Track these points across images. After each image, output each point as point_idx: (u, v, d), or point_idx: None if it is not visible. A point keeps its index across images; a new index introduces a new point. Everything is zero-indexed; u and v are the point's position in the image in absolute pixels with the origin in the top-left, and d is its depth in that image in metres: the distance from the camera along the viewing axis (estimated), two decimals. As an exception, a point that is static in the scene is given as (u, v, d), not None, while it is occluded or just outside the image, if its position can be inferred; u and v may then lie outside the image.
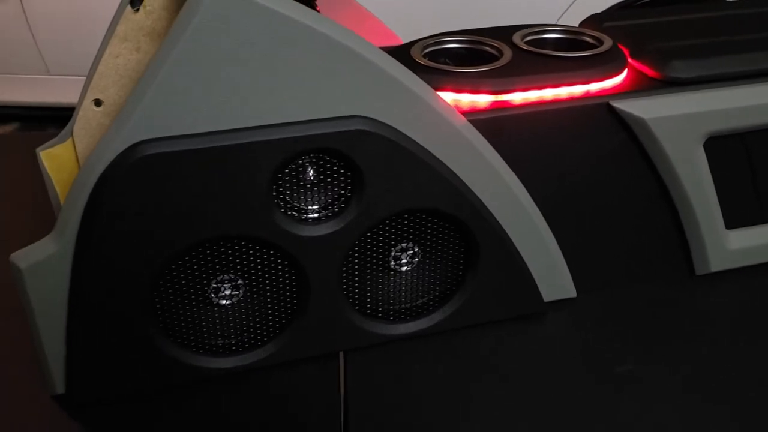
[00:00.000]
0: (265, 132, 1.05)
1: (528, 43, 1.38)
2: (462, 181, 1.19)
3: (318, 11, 1.11)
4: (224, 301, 1.21)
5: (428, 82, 1.24)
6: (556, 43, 1.43)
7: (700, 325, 1.37)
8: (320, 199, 1.16)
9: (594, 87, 1.27)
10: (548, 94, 1.26)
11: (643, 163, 1.31)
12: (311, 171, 1.15)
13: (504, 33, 1.41)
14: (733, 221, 1.43)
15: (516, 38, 1.38)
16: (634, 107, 1.25)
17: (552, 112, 1.24)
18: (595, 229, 1.37)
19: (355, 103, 1.08)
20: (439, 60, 1.38)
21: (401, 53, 1.32)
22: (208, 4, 0.96)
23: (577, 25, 1.54)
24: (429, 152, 1.15)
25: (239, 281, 1.20)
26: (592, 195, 1.34)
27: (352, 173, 1.14)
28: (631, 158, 1.31)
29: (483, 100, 1.24)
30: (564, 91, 1.26)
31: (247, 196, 1.09)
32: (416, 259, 1.28)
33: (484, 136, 1.21)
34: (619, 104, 1.24)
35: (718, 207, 1.39)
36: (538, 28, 1.43)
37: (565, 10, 2.77)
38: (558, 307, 1.39)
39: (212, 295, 1.20)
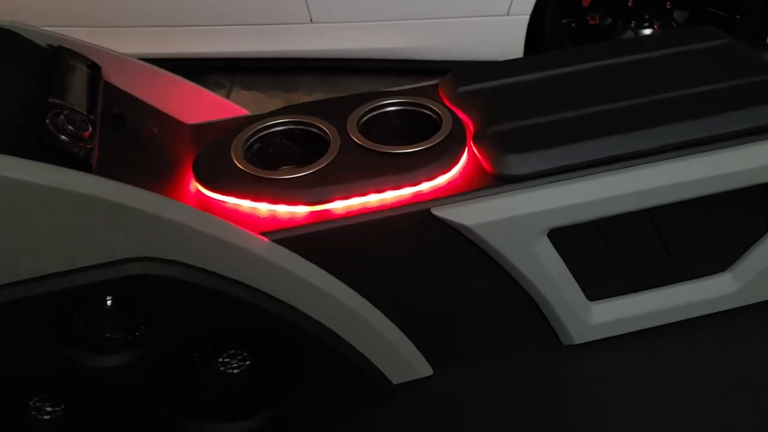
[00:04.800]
0: (33, 287, 1.01)
1: (364, 124, 1.30)
2: (273, 297, 1.16)
3: (93, 167, 1.05)
4: (46, 416, 1.22)
5: (242, 191, 1.19)
6: (398, 118, 1.35)
7: (569, 392, 1.37)
8: (119, 328, 1.14)
9: (423, 187, 1.21)
10: (373, 199, 1.19)
11: (484, 258, 1.26)
12: (108, 303, 1.12)
13: (343, 107, 1.33)
14: (596, 293, 1.39)
15: (351, 119, 1.30)
16: (457, 214, 1.18)
17: (375, 223, 1.18)
18: (446, 314, 1.34)
19: (130, 247, 1.03)
20: (272, 144, 1.31)
21: (220, 150, 1.25)
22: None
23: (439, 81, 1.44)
24: (229, 278, 1.11)
25: (59, 400, 1.21)
26: (434, 286, 1.30)
27: (143, 308, 1.11)
28: (470, 255, 1.26)
29: (301, 211, 1.18)
30: (390, 196, 1.20)
31: (31, 343, 1.08)
32: (247, 362, 1.27)
33: (304, 250, 1.16)
34: (440, 212, 1.18)
35: (574, 284, 1.34)
36: (381, 101, 1.34)
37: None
38: (412, 386, 1.39)
39: (33, 413, 1.22)
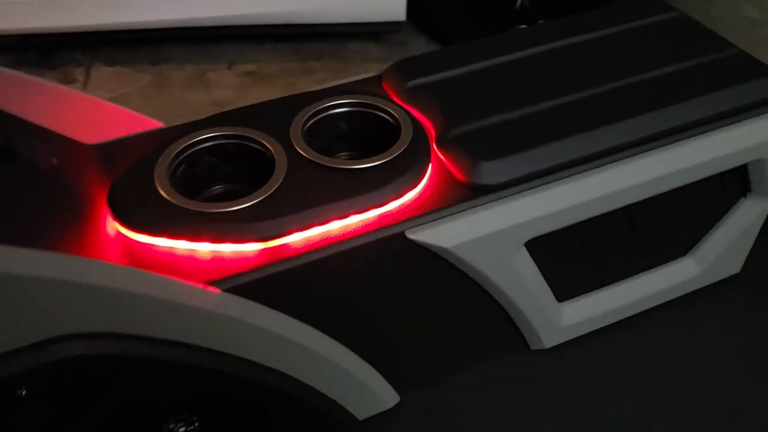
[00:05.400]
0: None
1: (309, 130, 1.11)
2: (231, 355, 0.96)
3: None
4: None
5: (177, 230, 0.97)
6: (345, 121, 1.16)
7: (544, 398, 1.28)
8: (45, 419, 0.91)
9: (391, 207, 1.03)
10: (336, 227, 1.01)
11: (459, 276, 1.12)
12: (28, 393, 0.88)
13: (280, 113, 1.12)
14: (565, 293, 1.29)
15: (294, 128, 1.10)
16: (435, 236, 1.03)
17: (341, 255, 1.00)
18: (412, 335, 1.20)
19: (50, 325, 0.80)
20: (200, 163, 1.09)
21: (140, 177, 1.02)
22: None
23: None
24: (178, 343, 0.90)
25: None
26: (403, 310, 1.15)
27: (77, 392, 0.89)
28: (445, 275, 1.11)
29: (252, 249, 0.98)
30: (355, 221, 1.02)
31: None
32: (198, 424, 1.07)
33: (261, 296, 0.97)
34: (416, 235, 1.02)
35: (546, 289, 1.24)
36: (324, 103, 1.14)
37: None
38: (380, 418, 1.25)
39: None
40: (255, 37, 3.07)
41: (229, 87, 2.89)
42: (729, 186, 1.31)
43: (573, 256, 1.25)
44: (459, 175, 1.07)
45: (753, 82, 1.20)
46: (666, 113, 1.15)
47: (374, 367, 1.17)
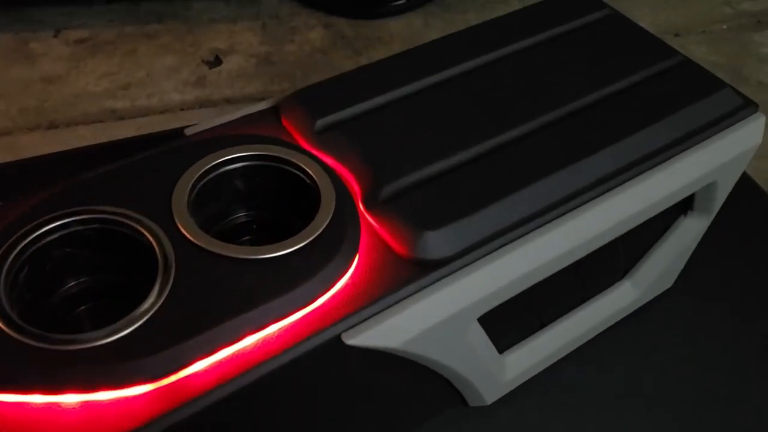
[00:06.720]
0: None
1: (197, 200, 0.84)
2: None
3: None
4: None
5: (28, 382, 0.70)
6: (244, 177, 0.89)
7: None
8: None
9: (320, 304, 0.80)
10: (250, 342, 0.76)
11: (402, 361, 0.91)
12: None
13: (158, 179, 0.84)
14: (505, 343, 1.12)
15: (178, 200, 0.82)
16: (379, 336, 0.80)
17: (261, 381, 0.75)
18: (345, 427, 0.99)
19: None
20: (49, 259, 0.80)
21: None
22: None
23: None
24: None
25: None
26: (334, 408, 0.93)
27: None
28: (386, 365, 0.89)
29: (139, 392, 0.71)
30: (275, 329, 0.77)
31: None
32: None
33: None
34: (356, 340, 0.79)
35: (493, 351, 1.06)
36: (215, 159, 0.87)
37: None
38: None
39: None
40: (80, -1, 2.65)
41: (58, 59, 2.46)
42: (671, 206, 1.17)
43: (514, 303, 1.08)
44: (398, 247, 0.85)
45: (710, 98, 1.05)
46: (629, 144, 0.97)
47: None
